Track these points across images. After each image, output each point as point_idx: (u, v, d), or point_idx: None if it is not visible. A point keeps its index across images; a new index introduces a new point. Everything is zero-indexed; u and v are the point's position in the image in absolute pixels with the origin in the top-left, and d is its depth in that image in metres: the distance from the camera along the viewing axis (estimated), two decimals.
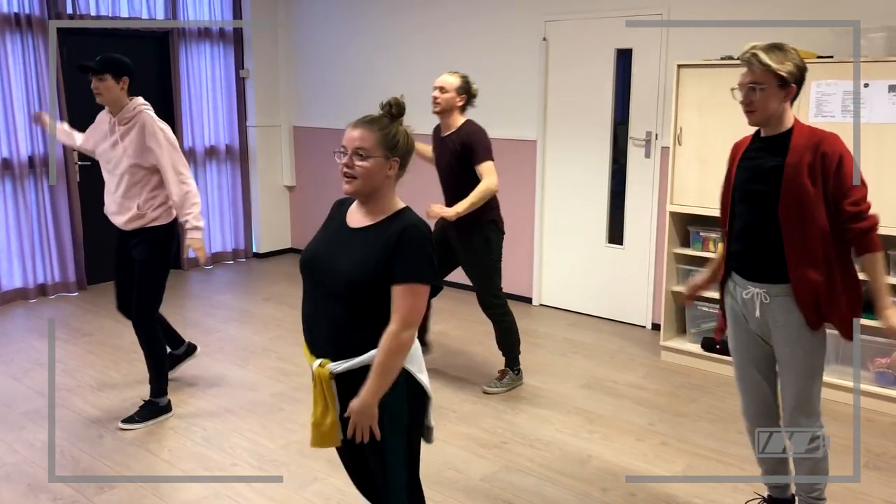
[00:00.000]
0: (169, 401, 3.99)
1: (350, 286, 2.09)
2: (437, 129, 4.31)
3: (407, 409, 2.20)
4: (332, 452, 3.58)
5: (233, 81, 7.24)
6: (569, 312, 5.85)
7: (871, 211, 2.54)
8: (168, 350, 4.19)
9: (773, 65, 2.48)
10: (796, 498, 2.92)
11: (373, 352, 2.12)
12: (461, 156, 4.06)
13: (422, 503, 2.33)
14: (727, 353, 4.32)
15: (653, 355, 4.90)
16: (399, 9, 6.55)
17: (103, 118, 3.81)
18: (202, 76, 6.99)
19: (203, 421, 3.94)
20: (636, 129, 5.33)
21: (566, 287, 5.89)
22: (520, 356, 4.41)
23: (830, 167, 2.46)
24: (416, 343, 2.23)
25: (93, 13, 6.18)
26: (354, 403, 2.08)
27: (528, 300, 6.07)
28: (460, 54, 6.11)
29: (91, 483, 3.31)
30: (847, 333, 2.62)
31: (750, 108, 2.55)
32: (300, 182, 7.64)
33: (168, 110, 6.76)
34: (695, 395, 4.27)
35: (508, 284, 6.09)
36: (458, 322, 5.46)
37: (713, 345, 4.60)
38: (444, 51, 6.25)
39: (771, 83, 2.49)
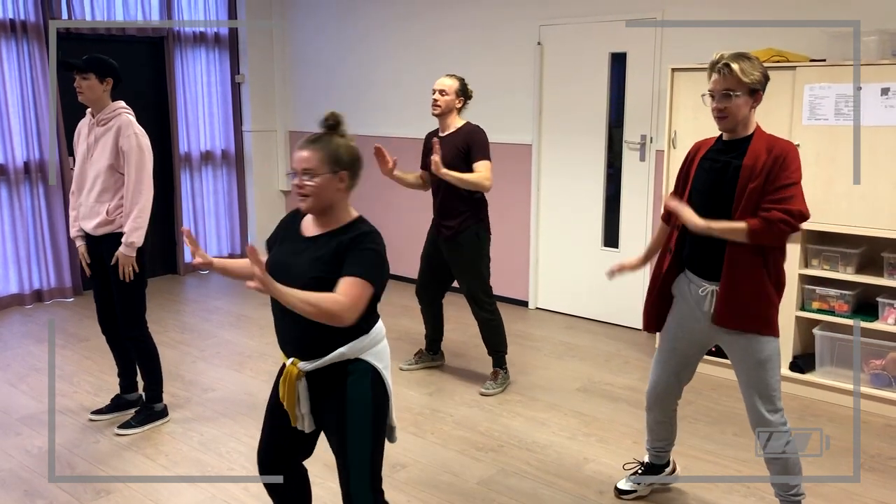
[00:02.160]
0: (165, 406, 3.99)
1: (306, 288, 2.13)
2: (432, 133, 4.37)
3: (371, 400, 2.28)
4: (329, 457, 3.58)
5: (228, 86, 7.25)
6: (565, 315, 5.86)
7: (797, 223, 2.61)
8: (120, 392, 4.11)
9: (745, 74, 2.60)
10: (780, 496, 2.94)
11: (339, 350, 2.23)
12: (463, 153, 4.14)
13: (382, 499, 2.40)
14: (722, 356, 4.34)
15: (648, 357, 4.91)
16: (394, 12, 6.56)
17: (83, 123, 3.79)
18: (198, 81, 7.00)
19: (199, 425, 3.94)
20: (631, 133, 5.35)
21: (562, 290, 5.90)
22: (507, 356, 4.49)
23: (776, 166, 2.59)
24: (385, 342, 2.37)
25: (88, 18, 6.18)
26: (266, 279, 2.00)
27: (525, 303, 6.08)
28: (456, 58, 6.13)
29: (87, 488, 3.31)
30: (770, 331, 2.74)
31: (722, 115, 2.66)
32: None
33: (164, 115, 6.75)
34: (690, 397, 4.28)
35: (504, 288, 6.12)
36: (454, 325, 5.47)
37: None
38: (439, 54, 6.26)
39: (743, 90, 2.62)
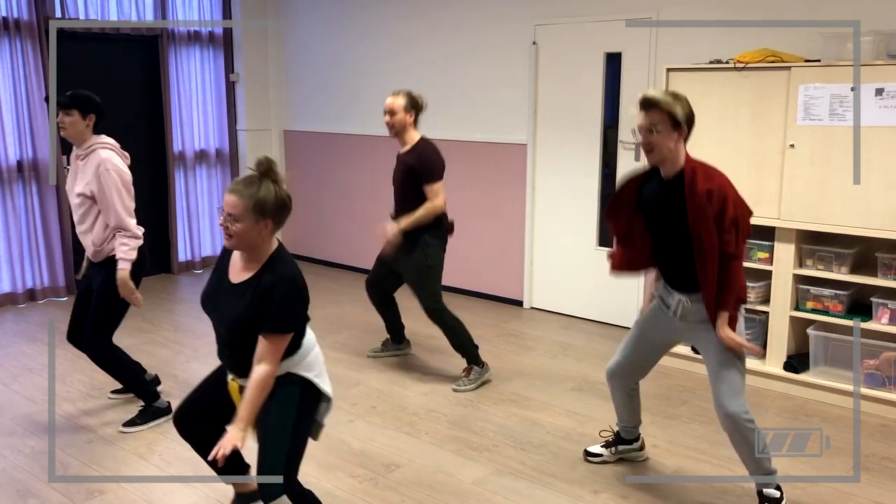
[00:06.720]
0: (168, 403, 3.97)
1: (235, 331, 2.44)
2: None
3: (296, 406, 2.50)
4: (325, 457, 3.58)
5: (223, 85, 7.23)
6: (560, 315, 5.86)
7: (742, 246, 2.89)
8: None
9: (671, 108, 2.81)
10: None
11: None
12: (413, 173, 4.23)
13: (297, 485, 2.54)
14: None
15: None
16: (389, 12, 6.55)
17: (72, 158, 3.84)
18: (192, 80, 6.97)
19: None
20: (626, 133, 5.35)
21: (557, 290, 5.90)
22: (478, 350, 4.47)
23: (717, 202, 2.80)
24: (315, 351, 2.58)
25: (82, 17, 6.16)
26: (232, 431, 2.37)
27: (520, 303, 6.08)
28: (451, 57, 6.12)
29: (81, 488, 3.30)
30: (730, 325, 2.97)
31: (649, 148, 2.89)
32: (290, 186, 7.60)
33: (158, 114, 6.74)
34: (685, 396, 4.29)
35: (499, 287, 6.13)
36: None
37: None
38: (434, 54, 6.25)
39: (665, 125, 2.83)
